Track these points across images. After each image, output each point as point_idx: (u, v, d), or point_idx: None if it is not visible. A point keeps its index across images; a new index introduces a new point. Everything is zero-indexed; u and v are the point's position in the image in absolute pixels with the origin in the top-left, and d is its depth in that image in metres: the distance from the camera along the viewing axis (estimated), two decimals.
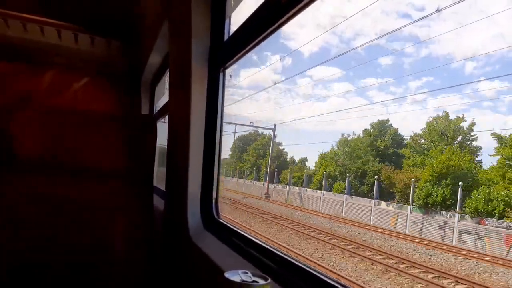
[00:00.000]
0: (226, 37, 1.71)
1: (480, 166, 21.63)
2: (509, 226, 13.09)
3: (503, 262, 10.75)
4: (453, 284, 8.69)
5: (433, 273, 9.30)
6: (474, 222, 14.64)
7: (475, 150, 23.91)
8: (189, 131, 1.73)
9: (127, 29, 3.51)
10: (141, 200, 1.81)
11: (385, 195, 22.33)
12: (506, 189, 16.50)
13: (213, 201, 1.78)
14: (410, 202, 18.67)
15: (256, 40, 1.39)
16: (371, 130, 30.27)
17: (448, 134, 24.09)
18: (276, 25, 1.24)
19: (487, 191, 16.69)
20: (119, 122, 1.93)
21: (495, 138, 21.05)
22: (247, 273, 0.84)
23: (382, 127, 30.02)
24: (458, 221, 14.88)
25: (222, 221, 1.71)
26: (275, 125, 30.87)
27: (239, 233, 1.52)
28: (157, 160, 1.99)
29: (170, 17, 2.10)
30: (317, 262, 9.51)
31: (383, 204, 19.19)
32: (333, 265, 9.64)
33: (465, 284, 8.60)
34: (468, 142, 24.11)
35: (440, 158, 20.78)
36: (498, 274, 10.00)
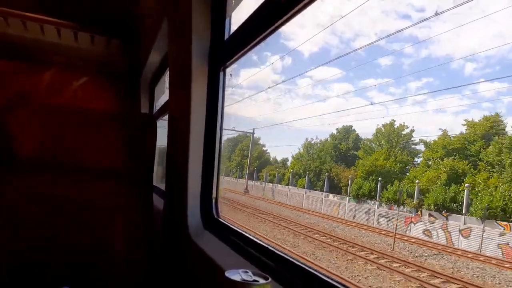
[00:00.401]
0: (226, 36, 1.70)
1: (408, 166, 27.54)
2: (408, 211, 18.22)
3: (386, 233, 15.28)
4: (329, 240, 12.78)
5: (321, 235, 13.63)
6: (387, 208, 19.44)
7: (416, 153, 28.94)
8: (189, 130, 1.73)
9: (127, 28, 3.50)
10: (141, 199, 1.81)
11: (335, 189, 27.31)
12: (411, 183, 21.76)
13: (213, 200, 1.78)
14: (348, 194, 24.35)
15: (257, 40, 1.39)
16: (337, 135, 35.46)
17: (392, 139, 29.52)
18: (276, 24, 1.24)
19: (397, 185, 22.42)
20: (119, 121, 1.92)
21: (422, 143, 27.29)
22: (247, 272, 0.84)
23: (346, 132, 35.14)
24: (378, 207, 19.77)
25: (222, 220, 1.71)
26: (253, 129, 36.04)
27: (239, 232, 1.52)
28: (156, 160, 1.99)
29: (170, 16, 2.10)
30: (244, 226, 13.60)
31: (331, 196, 24.21)
32: (252, 226, 14.63)
33: (333, 238, 13.11)
34: (413, 146, 29.59)
35: (369, 159, 26.99)
36: (368, 237, 14.59)
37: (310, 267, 1.07)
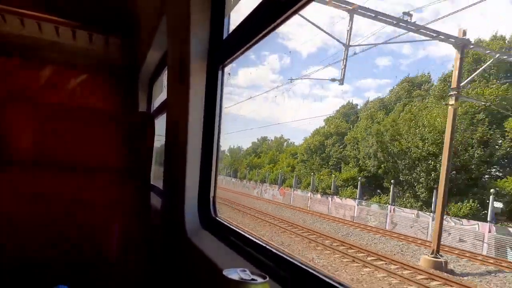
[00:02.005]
0: (225, 34, 1.70)
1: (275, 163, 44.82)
2: (254, 183, 37.65)
3: (256, 197, 30.90)
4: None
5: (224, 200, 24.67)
6: (252, 184, 37.45)
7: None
8: (187, 129, 1.72)
9: (125, 25, 3.49)
10: (139, 198, 1.80)
11: (239, 176, 46.51)
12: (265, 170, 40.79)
13: (211, 199, 1.77)
14: (240, 178, 44.42)
15: (256, 38, 1.38)
16: (257, 142, 54.28)
17: (278, 146, 48.37)
18: (276, 23, 1.23)
19: (261, 171, 41.36)
20: (117, 119, 1.91)
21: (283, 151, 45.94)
22: (245, 271, 0.83)
23: (263, 140, 53.20)
24: (246, 183, 38.79)
25: (219, 219, 1.71)
26: None
27: (237, 231, 1.51)
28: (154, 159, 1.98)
29: (168, 13, 2.09)
30: None
31: (233, 179, 44.42)
32: None
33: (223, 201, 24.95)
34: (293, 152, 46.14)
35: (250, 158, 48.62)
36: (240, 198, 27.44)
37: (308, 266, 1.07)
